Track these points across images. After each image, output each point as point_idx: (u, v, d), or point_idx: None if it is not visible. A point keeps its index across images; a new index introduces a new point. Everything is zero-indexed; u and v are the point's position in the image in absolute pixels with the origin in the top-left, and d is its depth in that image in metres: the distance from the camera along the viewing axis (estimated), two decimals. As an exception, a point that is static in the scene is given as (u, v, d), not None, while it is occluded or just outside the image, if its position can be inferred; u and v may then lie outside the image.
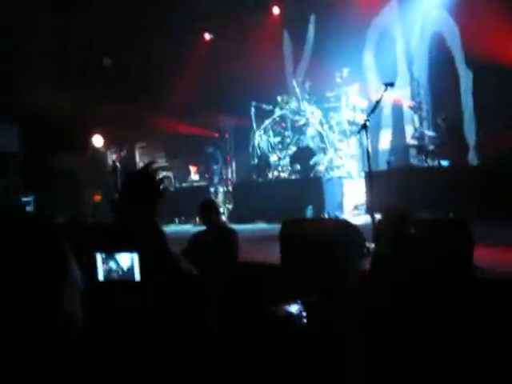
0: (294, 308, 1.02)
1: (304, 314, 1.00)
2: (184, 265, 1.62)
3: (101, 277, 1.13)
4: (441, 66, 11.20)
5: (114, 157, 13.61)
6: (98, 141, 14.40)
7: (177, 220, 11.81)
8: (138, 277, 0.98)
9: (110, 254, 1.11)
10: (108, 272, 1.11)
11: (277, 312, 1.02)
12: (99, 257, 1.12)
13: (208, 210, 5.09)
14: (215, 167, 12.74)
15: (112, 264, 1.11)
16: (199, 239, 5.18)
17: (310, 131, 11.11)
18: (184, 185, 13.21)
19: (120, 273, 1.10)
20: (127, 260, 1.09)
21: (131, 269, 1.07)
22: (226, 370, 0.96)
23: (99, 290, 1.13)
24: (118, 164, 12.78)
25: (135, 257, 0.92)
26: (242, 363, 1.02)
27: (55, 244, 1.09)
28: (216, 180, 12.54)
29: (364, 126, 5.61)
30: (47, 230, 1.02)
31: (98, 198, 13.83)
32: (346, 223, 5.40)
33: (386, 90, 5.80)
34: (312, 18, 13.40)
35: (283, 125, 11.59)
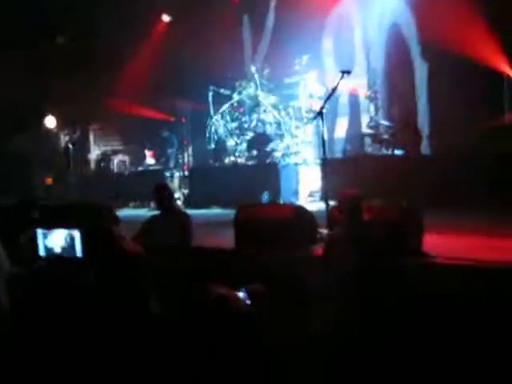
0: (240, 294, 1.01)
1: (248, 301, 0.99)
2: (127, 245, 1.57)
3: (42, 252, 1.07)
4: (397, 56, 11.33)
5: (67, 138, 13.26)
6: (50, 121, 13.99)
7: (131, 204, 11.63)
8: (79, 253, 0.93)
9: (49, 230, 1.05)
10: (49, 248, 1.06)
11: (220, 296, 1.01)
12: (40, 233, 1.06)
13: (161, 193, 5.03)
14: (170, 151, 12.61)
15: (52, 240, 1.05)
16: (152, 223, 5.12)
17: (267, 117, 11.10)
18: (139, 169, 13.02)
19: (60, 249, 1.04)
20: (67, 236, 1.03)
21: (72, 245, 1.01)
22: (164, 351, 0.94)
23: (41, 265, 1.08)
24: (70, 146, 12.46)
25: (76, 233, 0.86)
26: (181, 345, 1.00)
27: None
28: (171, 164, 12.41)
29: (320, 113, 5.62)
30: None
31: (49, 180, 13.48)
32: (300, 208, 5.43)
33: (342, 77, 5.81)
34: (272, 4, 13.32)
35: (241, 110, 11.53)
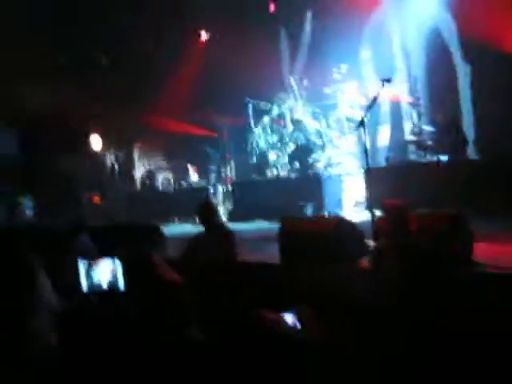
0: (287, 318, 0.98)
1: (297, 325, 0.97)
2: (165, 273, 1.57)
3: (85, 287, 1.05)
4: (438, 61, 11.16)
5: (113, 157, 13.57)
6: (95, 142, 14.35)
7: (176, 219, 11.77)
8: (122, 287, 0.90)
9: (93, 261, 1.04)
10: (95, 283, 1.04)
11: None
12: (82, 264, 1.04)
13: (205, 210, 5.07)
14: (212, 167, 12.72)
15: (97, 272, 1.03)
16: (197, 241, 5.16)
17: (308, 129, 11.08)
18: (183, 185, 13.19)
19: (107, 283, 1.02)
20: (113, 268, 1.00)
21: (115, 279, 0.98)
22: (213, 378, 0.93)
23: (84, 300, 1.08)
24: (115, 165, 12.75)
25: (118, 265, 0.83)
26: (230, 371, 0.99)
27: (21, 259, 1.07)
28: (213, 180, 12.51)
29: (361, 123, 5.56)
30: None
31: (97, 199, 13.79)
32: (345, 221, 5.37)
33: (383, 85, 5.77)
34: (308, 15, 13.34)
35: (281, 122, 11.55)
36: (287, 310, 1.13)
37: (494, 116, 9.80)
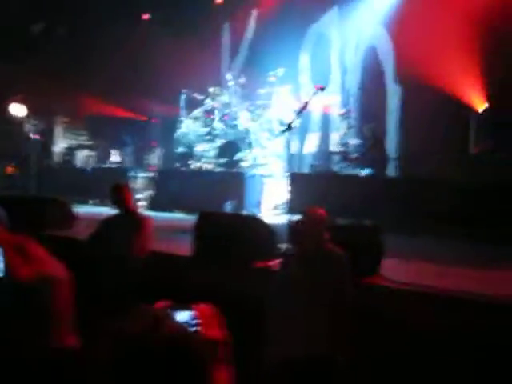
0: (185, 315, 0.91)
1: (194, 322, 0.90)
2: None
3: None
4: (372, 78, 11.47)
5: (32, 128, 12.92)
6: (16, 109, 13.62)
7: (91, 201, 11.38)
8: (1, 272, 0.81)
9: None
10: None
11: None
12: None
13: (118, 193, 4.86)
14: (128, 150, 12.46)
15: None
16: (108, 223, 4.96)
17: (238, 126, 11.05)
18: (103, 166, 12.79)
19: None
20: None
21: None
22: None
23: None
24: (36, 136, 12.17)
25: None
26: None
27: None
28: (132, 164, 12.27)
29: (289, 127, 5.58)
30: None
31: (11, 169, 13.11)
32: (261, 222, 5.36)
33: (315, 93, 5.81)
34: (254, 13, 13.33)
35: (212, 116, 11.45)
36: (188, 306, 1.03)
37: (416, 138, 10.18)
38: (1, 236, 0.82)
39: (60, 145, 14.18)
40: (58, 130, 14.49)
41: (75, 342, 0.82)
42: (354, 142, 10.39)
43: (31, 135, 12.29)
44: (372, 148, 9.85)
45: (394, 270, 4.54)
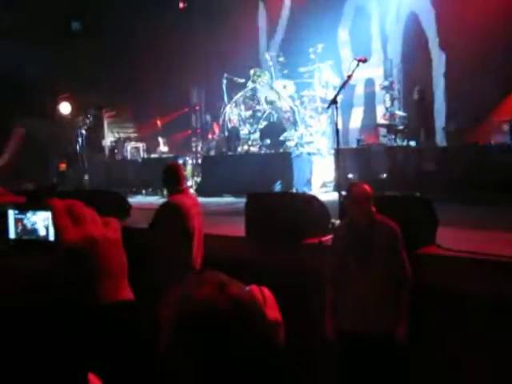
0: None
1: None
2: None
3: (12, 234, 1.00)
4: (415, 46, 11.20)
5: (81, 124, 13.28)
6: (65, 108, 14.02)
7: (144, 191, 11.64)
8: (52, 237, 0.86)
9: (23, 211, 0.98)
10: (21, 230, 0.99)
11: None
12: (11, 213, 1.00)
13: (173, 172, 4.82)
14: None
15: (26, 222, 0.99)
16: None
17: (282, 106, 11.02)
18: (152, 156, 13.04)
19: (35, 232, 0.98)
20: (43, 219, 0.96)
21: (46, 229, 0.94)
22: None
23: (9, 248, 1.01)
24: (83, 132, 12.49)
25: (50, 216, 0.79)
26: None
27: None
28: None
29: (334, 102, 5.51)
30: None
31: (63, 166, 13.53)
32: (313, 198, 5.36)
33: (357, 65, 5.71)
34: (289, -10, 13.21)
35: (254, 98, 11.44)
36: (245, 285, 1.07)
37: (464, 105, 9.90)
38: (49, 200, 0.86)
39: (109, 139, 14.54)
40: (106, 124, 14.86)
41: (131, 295, 0.86)
42: (400, 113, 10.21)
43: (81, 131, 12.62)
44: (418, 119, 9.61)
45: (450, 239, 4.46)
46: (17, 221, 1.03)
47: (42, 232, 0.99)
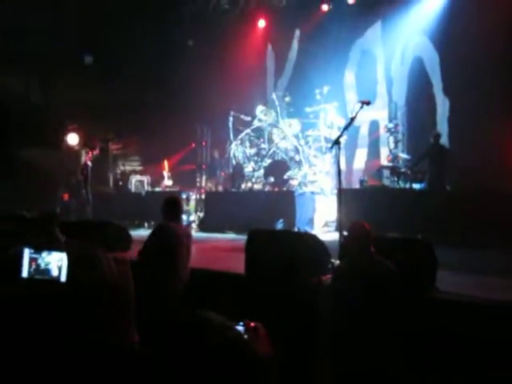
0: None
1: (245, 336, 0.93)
2: (111, 274, 1.50)
3: (25, 273, 1.01)
4: (419, 90, 11.36)
5: (87, 156, 13.39)
6: (72, 139, 14.16)
7: (146, 224, 11.65)
8: (63, 278, 0.87)
9: (39, 251, 0.99)
10: (34, 270, 1.00)
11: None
12: (27, 252, 1.00)
13: (173, 206, 4.99)
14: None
15: (40, 262, 1.00)
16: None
17: (287, 145, 11.13)
18: (156, 189, 13.11)
19: (48, 272, 0.98)
20: (57, 260, 0.96)
21: (59, 269, 0.95)
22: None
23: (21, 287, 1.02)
24: (89, 163, 12.58)
25: (64, 257, 0.80)
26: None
27: None
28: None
29: (337, 142, 5.58)
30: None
31: (66, 196, 13.58)
32: (313, 237, 5.36)
33: (361, 107, 5.79)
34: (296, 33, 13.50)
35: (260, 136, 11.57)
36: (239, 321, 1.08)
37: (468, 151, 9.95)
38: (66, 243, 0.89)
39: (114, 171, 14.64)
40: (112, 157, 14.98)
41: (137, 339, 0.88)
42: (403, 156, 10.28)
43: (87, 162, 12.71)
44: (435, 157, 9.52)
45: (449, 282, 4.45)
46: (31, 260, 1.06)
47: (55, 272, 1.02)
